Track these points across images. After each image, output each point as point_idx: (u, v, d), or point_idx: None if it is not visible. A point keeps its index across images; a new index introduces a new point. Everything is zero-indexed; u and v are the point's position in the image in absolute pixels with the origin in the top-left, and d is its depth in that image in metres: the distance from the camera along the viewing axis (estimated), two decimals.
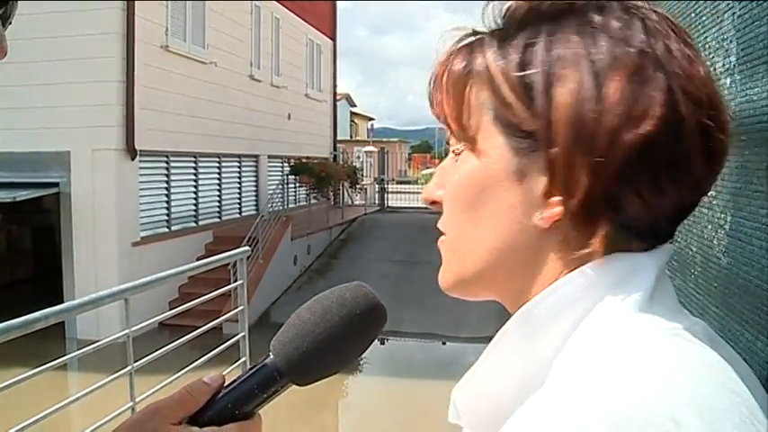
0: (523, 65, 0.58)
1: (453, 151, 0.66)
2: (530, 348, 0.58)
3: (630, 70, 0.55)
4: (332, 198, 18.52)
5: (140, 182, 11.88)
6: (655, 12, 0.59)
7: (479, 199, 0.62)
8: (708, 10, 0.93)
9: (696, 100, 0.55)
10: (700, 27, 0.96)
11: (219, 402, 0.68)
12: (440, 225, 0.68)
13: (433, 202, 0.68)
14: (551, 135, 0.56)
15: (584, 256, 0.58)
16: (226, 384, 0.69)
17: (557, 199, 0.57)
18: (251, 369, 0.69)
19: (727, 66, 0.87)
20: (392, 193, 23.10)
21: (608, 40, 0.56)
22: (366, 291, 0.70)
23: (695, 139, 0.55)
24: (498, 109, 0.59)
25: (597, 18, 0.58)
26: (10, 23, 0.59)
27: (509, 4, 0.62)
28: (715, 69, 0.91)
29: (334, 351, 0.68)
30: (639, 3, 0.60)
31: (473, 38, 0.64)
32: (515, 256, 0.61)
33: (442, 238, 0.68)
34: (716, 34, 0.90)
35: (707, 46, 0.94)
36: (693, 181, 0.57)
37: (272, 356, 0.68)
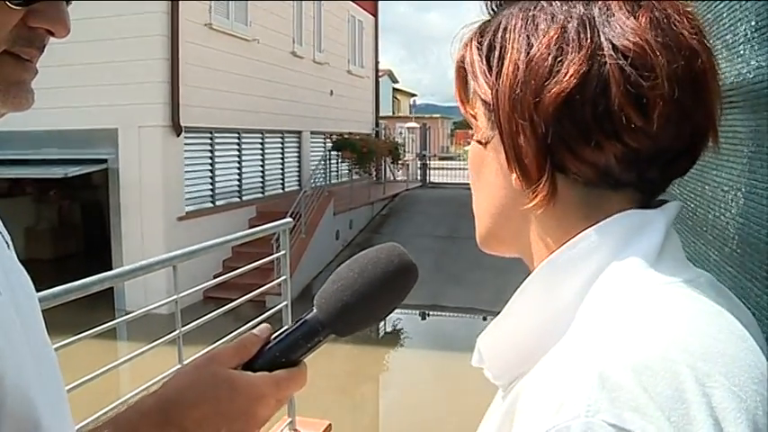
0: (489, 48, 0.67)
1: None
2: (550, 298, 0.63)
3: (553, 36, 0.61)
4: (374, 174, 18.55)
5: (185, 158, 12.08)
6: None
7: (479, 171, 0.72)
8: None
9: (623, 50, 0.58)
10: None
11: (269, 352, 0.76)
12: None
13: None
14: (496, 104, 0.65)
15: (535, 209, 0.64)
16: (274, 336, 0.77)
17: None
18: (296, 322, 0.77)
19: (744, 34, 0.90)
20: (434, 169, 23.04)
21: (545, 15, 0.63)
22: (399, 250, 0.77)
23: (620, 89, 0.58)
24: (476, 89, 0.69)
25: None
26: (71, 3, 0.66)
27: None
28: (735, 38, 0.95)
29: (370, 305, 0.76)
30: None
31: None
32: (511, 216, 0.69)
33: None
34: (731, 3, 0.93)
35: (728, 14, 0.97)
36: (632, 130, 0.59)
37: (315, 310, 0.76)
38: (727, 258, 0.98)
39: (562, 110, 0.59)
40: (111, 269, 2.84)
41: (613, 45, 0.58)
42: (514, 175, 0.64)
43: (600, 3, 0.61)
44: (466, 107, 0.73)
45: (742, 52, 0.90)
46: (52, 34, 0.65)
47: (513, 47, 0.63)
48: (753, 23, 0.87)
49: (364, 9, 21.00)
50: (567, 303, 0.61)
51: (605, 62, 0.58)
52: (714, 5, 1.01)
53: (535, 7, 0.64)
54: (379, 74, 24.10)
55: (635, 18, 0.60)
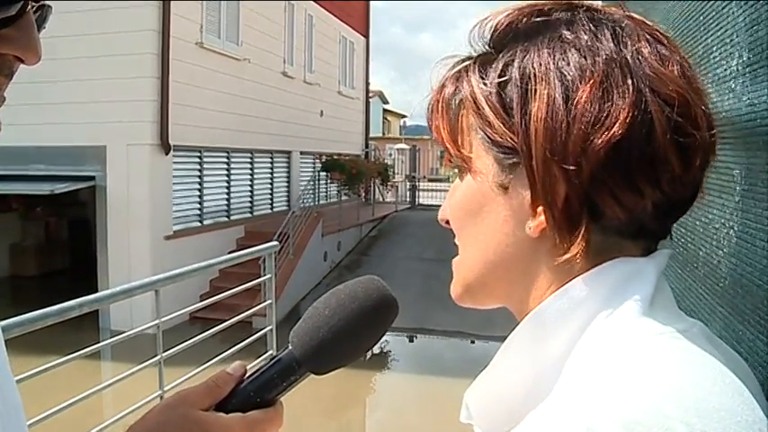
0: (501, 85, 0.62)
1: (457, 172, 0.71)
2: (539, 350, 0.61)
3: (597, 79, 0.58)
4: (363, 195, 18.53)
5: (174, 176, 12.04)
6: (629, 17, 0.62)
7: (477, 215, 0.67)
8: (714, 14, 0.94)
9: (666, 98, 0.57)
10: (704, 30, 0.98)
11: (243, 391, 0.72)
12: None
13: (448, 222, 0.73)
14: (529, 148, 0.59)
15: (568, 262, 0.60)
16: (248, 374, 0.74)
17: (540, 209, 0.60)
18: (271, 360, 0.73)
19: (734, 69, 0.89)
20: (423, 190, 23.05)
21: (576, 52, 0.59)
22: (378, 284, 0.73)
23: (666, 137, 0.57)
24: (483, 129, 0.63)
25: (566, 33, 0.61)
26: (44, 28, 0.63)
27: (493, 22, 0.66)
28: (725, 72, 0.93)
29: (348, 342, 0.72)
30: (614, 9, 0.63)
31: (462, 65, 0.68)
32: (513, 266, 0.65)
33: (456, 258, 0.72)
34: (722, 37, 0.91)
35: (718, 48, 0.95)
36: (671, 178, 0.58)
37: (290, 347, 0.72)
38: (719, 298, 0.95)
39: (611, 156, 0.57)
40: (96, 287, 2.81)
41: (655, 92, 0.57)
42: (534, 224, 0.61)
43: (630, 46, 0.59)
44: (459, 148, 0.67)
45: (733, 87, 0.88)
46: (22, 61, 0.61)
47: (542, 86, 0.59)
48: (744, 58, 0.85)
49: (356, 30, 21.11)
50: (555, 356, 0.59)
51: (649, 109, 0.57)
52: (704, 38, 1.00)
53: (562, 45, 0.60)
54: (370, 95, 24.20)
55: (664, 66, 0.59)
